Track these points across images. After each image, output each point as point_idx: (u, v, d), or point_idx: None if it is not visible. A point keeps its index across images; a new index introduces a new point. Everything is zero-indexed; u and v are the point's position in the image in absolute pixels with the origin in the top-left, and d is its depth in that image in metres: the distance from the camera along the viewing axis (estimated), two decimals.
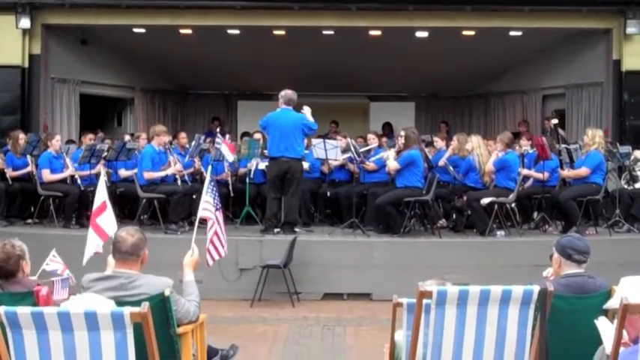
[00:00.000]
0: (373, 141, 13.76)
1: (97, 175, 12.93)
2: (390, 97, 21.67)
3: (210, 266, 6.84)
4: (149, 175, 12.30)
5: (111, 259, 5.38)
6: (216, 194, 6.99)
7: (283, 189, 11.96)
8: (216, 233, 6.84)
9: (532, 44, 17.27)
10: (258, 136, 13.64)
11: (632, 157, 13.42)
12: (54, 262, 7.21)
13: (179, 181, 12.58)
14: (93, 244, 6.96)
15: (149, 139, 13.14)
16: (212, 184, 6.97)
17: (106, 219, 7.08)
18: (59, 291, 6.45)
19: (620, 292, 4.60)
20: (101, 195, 7.22)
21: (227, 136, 14.89)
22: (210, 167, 7.91)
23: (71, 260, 8.60)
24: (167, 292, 5.04)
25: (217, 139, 13.31)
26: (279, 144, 11.87)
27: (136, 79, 19.60)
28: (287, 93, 12.06)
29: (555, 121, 17.44)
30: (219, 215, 6.95)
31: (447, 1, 15.71)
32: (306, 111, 12.08)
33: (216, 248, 6.82)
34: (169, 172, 12.51)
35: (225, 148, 13.09)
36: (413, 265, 11.03)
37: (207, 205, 6.81)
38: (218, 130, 14.58)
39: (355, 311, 10.78)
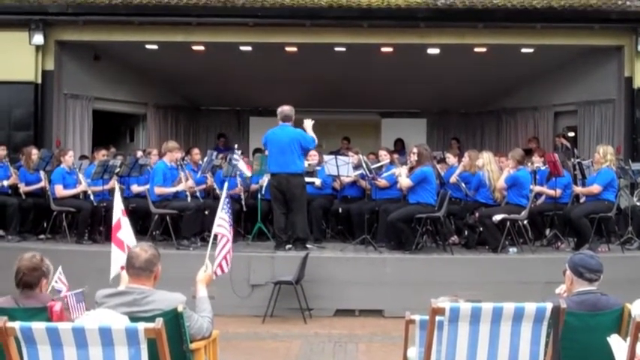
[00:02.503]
0: (385, 157, 13.77)
1: (110, 191, 13.02)
2: (401, 113, 21.68)
3: (216, 277, 6.83)
4: (160, 190, 12.35)
5: (125, 275, 5.40)
6: (230, 210, 7.03)
7: (288, 204, 11.99)
8: (229, 250, 6.87)
9: (544, 61, 17.27)
10: None
11: None
12: (60, 282, 7.24)
13: (189, 198, 12.61)
14: (117, 259, 6.96)
15: (161, 155, 13.19)
16: (227, 200, 7.00)
17: (126, 232, 7.11)
18: (75, 307, 6.46)
19: None
20: (118, 210, 7.26)
21: (239, 152, 14.97)
22: (226, 184, 7.94)
23: (83, 275, 8.66)
24: (180, 308, 5.05)
25: (235, 156, 13.34)
26: (277, 160, 11.94)
27: (149, 95, 19.68)
28: (283, 109, 12.12)
29: (572, 134, 17.47)
30: (231, 231, 7.00)
31: (458, 18, 15.72)
32: (307, 124, 12.12)
33: (220, 265, 6.84)
34: (180, 188, 12.54)
35: (242, 164, 13.15)
36: (425, 281, 11.02)
37: (223, 222, 6.84)
38: (236, 146, 14.62)
39: (367, 328, 10.77)
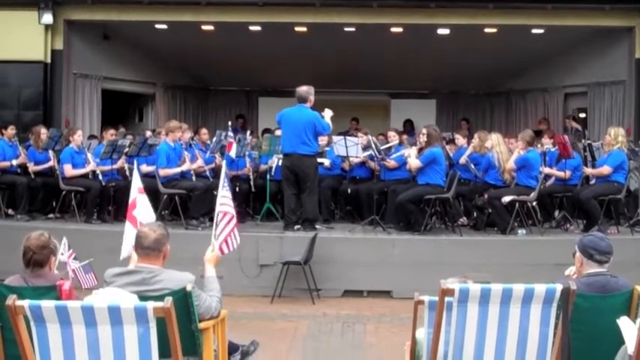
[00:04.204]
0: (394, 138, 13.73)
1: (119, 171, 13.06)
2: (410, 94, 21.65)
3: (223, 254, 6.83)
4: (165, 172, 12.29)
5: (134, 254, 5.41)
6: (229, 188, 7.05)
7: (299, 185, 11.98)
8: (233, 228, 6.88)
9: (554, 42, 17.19)
10: (279, 132, 13.62)
11: None
12: (66, 253, 7.25)
13: (194, 178, 12.62)
14: (130, 237, 6.94)
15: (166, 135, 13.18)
16: (226, 178, 7.00)
17: (143, 210, 7.10)
18: (84, 277, 6.47)
19: None
20: (135, 188, 7.26)
21: (247, 132, 14.97)
22: (224, 162, 7.95)
23: (92, 255, 8.72)
24: (189, 288, 5.05)
25: (229, 134, 13.26)
26: (291, 140, 11.88)
27: (158, 75, 19.68)
28: (300, 90, 12.06)
29: (583, 115, 17.42)
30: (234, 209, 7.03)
31: None
32: (327, 114, 12.10)
33: (233, 240, 6.85)
34: (184, 167, 12.53)
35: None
36: (433, 262, 11.01)
37: (226, 200, 6.84)
38: (240, 124, 14.58)
39: (375, 308, 10.78)
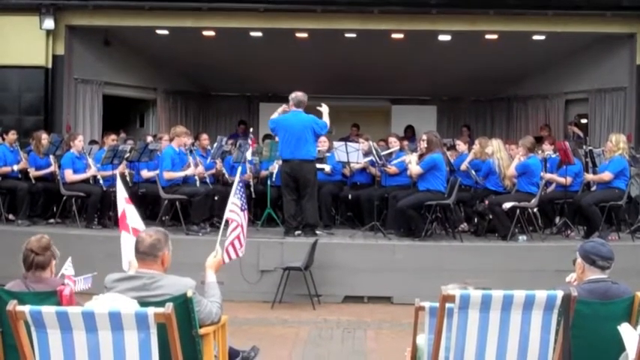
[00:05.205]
0: (394, 144, 13.74)
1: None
2: (411, 100, 21.63)
3: (224, 264, 6.81)
4: (169, 175, 12.32)
5: (134, 260, 5.41)
6: (243, 195, 7.01)
7: (299, 191, 11.98)
8: (238, 235, 6.85)
9: (555, 48, 17.19)
10: None
11: None
12: (70, 269, 7.20)
13: (198, 183, 12.63)
14: (128, 245, 6.88)
15: (171, 140, 13.18)
16: (240, 185, 6.98)
17: (134, 220, 7.07)
18: (81, 283, 6.43)
19: None
20: (121, 198, 7.20)
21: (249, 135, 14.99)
22: (240, 169, 7.95)
23: (93, 260, 8.70)
24: (190, 293, 5.04)
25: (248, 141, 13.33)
26: (289, 146, 11.89)
27: (159, 81, 19.68)
28: (297, 95, 12.07)
29: (584, 120, 17.41)
30: (245, 216, 6.97)
31: (470, 5, 15.67)
32: (324, 110, 12.10)
33: (235, 249, 6.83)
34: (189, 172, 12.53)
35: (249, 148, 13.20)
36: (434, 268, 11.01)
37: (234, 207, 6.82)
38: (251, 130, 14.65)
39: (376, 314, 10.77)
